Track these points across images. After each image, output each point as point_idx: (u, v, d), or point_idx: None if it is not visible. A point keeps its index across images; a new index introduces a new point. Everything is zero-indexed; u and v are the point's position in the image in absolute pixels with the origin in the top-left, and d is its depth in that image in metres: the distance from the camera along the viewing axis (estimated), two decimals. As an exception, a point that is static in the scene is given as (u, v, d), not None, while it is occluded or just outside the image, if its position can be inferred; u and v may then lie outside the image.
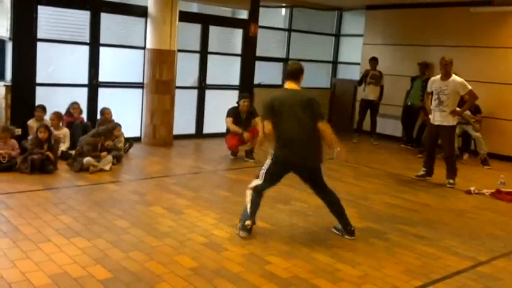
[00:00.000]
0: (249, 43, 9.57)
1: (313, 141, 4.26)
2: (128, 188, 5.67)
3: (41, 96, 7.28)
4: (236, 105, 7.59)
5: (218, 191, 5.77)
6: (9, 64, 7.12)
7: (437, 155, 7.07)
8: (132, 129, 8.04)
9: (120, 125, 7.25)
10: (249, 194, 4.37)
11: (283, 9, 11.05)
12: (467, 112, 7.85)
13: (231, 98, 8.42)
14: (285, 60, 10.96)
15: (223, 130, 7.77)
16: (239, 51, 9.59)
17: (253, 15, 9.54)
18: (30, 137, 6.44)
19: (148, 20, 8.04)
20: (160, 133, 8.22)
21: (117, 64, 8.13)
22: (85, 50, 7.71)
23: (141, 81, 8.24)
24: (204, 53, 9.07)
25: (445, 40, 9.43)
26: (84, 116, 7.65)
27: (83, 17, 7.64)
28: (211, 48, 9.14)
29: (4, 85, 7.03)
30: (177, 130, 8.54)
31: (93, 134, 6.49)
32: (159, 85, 8.08)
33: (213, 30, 9.14)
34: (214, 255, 3.88)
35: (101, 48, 7.82)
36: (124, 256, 3.73)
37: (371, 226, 4.84)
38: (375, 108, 9.86)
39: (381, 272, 3.78)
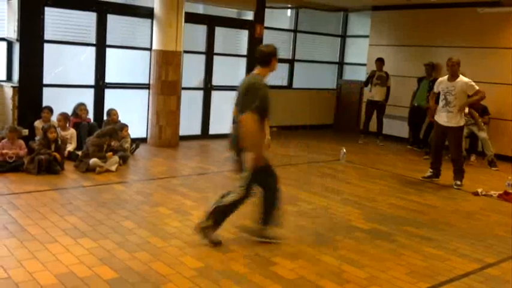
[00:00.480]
0: (255, 44, 9.56)
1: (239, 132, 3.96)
2: (134, 189, 5.69)
3: (48, 97, 7.32)
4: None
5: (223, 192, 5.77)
6: (16, 65, 7.16)
7: (445, 156, 7.04)
8: (138, 130, 8.06)
9: (127, 126, 7.28)
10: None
11: (289, 10, 11.05)
12: (475, 113, 7.83)
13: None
14: (290, 61, 10.97)
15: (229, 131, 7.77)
16: (245, 53, 9.60)
17: (259, 16, 9.55)
18: (37, 138, 6.48)
19: (154, 21, 8.07)
20: (166, 134, 8.24)
21: (123, 65, 8.16)
22: (91, 51, 7.76)
23: (147, 82, 8.26)
24: (209, 54, 9.08)
25: (451, 41, 9.39)
26: (91, 117, 7.67)
27: (89, 18, 7.68)
28: (217, 49, 9.15)
29: (11, 86, 7.07)
30: (182, 131, 8.55)
31: (98, 134, 6.51)
32: (165, 86, 8.10)
33: (219, 31, 9.16)
34: (220, 256, 3.88)
35: (108, 50, 7.85)
36: (130, 256, 3.73)
37: (377, 228, 4.83)
38: (381, 109, 9.83)
39: (387, 274, 3.76)
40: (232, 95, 9.72)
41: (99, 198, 5.19)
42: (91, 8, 7.65)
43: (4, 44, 7.29)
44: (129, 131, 7.32)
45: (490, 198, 6.26)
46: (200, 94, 9.14)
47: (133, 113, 8.16)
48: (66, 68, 7.62)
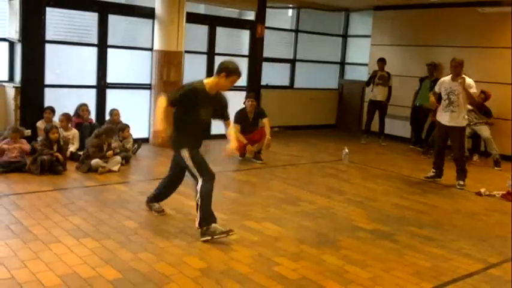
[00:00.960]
0: (256, 44, 9.57)
1: (174, 126, 4.58)
2: (136, 189, 5.69)
3: (50, 97, 7.33)
4: (243, 105, 7.60)
5: (226, 192, 5.77)
6: (18, 66, 7.17)
7: (447, 156, 7.03)
8: (140, 130, 8.06)
9: (128, 126, 7.28)
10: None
11: (290, 10, 11.04)
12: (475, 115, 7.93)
13: (238, 99, 8.41)
14: (292, 61, 10.96)
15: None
16: (246, 52, 9.59)
17: (260, 16, 9.54)
18: (39, 138, 6.48)
19: (156, 21, 8.06)
20: (168, 134, 8.21)
21: (125, 65, 8.16)
22: (93, 52, 7.76)
23: (148, 82, 8.26)
24: (211, 54, 9.08)
25: (453, 40, 9.37)
26: (93, 117, 7.68)
27: (90, 18, 7.68)
28: (218, 49, 9.15)
29: (13, 87, 7.08)
30: (184, 131, 8.54)
31: (95, 134, 6.48)
32: (167, 86, 8.07)
33: (220, 31, 9.15)
34: (223, 256, 3.88)
35: (109, 50, 7.86)
36: (133, 257, 3.73)
37: (380, 228, 4.82)
38: (383, 109, 9.82)
39: (390, 274, 3.76)
40: (233, 95, 9.66)
41: (102, 199, 5.19)
42: (92, 8, 7.66)
43: (6, 45, 7.30)
44: (131, 131, 7.31)
45: (493, 198, 6.25)
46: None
47: (135, 113, 8.16)
48: (68, 68, 7.62)
